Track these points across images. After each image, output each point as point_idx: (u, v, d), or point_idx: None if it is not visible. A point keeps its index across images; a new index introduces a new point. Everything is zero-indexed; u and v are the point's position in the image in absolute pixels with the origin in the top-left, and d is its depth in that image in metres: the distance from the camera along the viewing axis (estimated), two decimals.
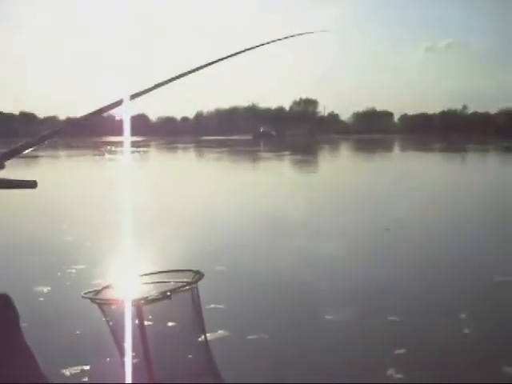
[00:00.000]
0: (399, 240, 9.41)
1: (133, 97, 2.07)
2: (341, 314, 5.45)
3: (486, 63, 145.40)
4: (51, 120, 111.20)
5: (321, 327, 5.21)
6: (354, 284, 6.64)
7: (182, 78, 2.14)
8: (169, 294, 3.05)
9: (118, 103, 2.06)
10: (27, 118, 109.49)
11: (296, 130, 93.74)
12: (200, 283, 3.24)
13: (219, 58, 2.21)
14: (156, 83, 2.09)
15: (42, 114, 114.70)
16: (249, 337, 4.92)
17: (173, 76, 2.13)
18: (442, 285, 6.57)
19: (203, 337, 3.41)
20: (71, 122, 2.17)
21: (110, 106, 2.06)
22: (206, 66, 2.17)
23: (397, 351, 4.54)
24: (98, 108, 2.06)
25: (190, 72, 2.15)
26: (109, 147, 50.13)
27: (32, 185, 2.00)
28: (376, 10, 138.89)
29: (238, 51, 2.25)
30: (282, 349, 4.72)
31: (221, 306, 5.68)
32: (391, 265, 7.67)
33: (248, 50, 2.26)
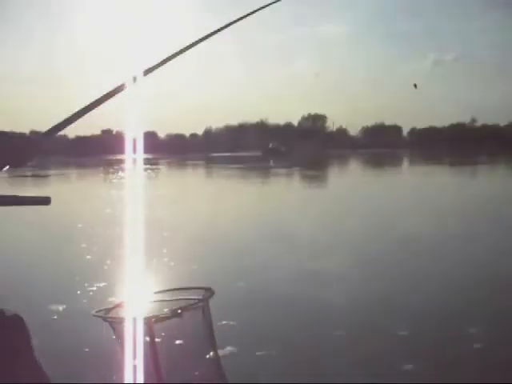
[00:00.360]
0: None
1: (146, 72, 2.01)
2: (352, 330, 5.45)
3: (493, 75, 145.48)
4: (61, 138, 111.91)
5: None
6: (362, 298, 6.63)
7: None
8: (179, 311, 3.06)
9: (120, 88, 1.99)
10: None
11: (305, 146, 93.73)
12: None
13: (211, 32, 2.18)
14: (164, 58, 2.04)
15: None
16: (258, 353, 4.93)
17: (182, 48, 2.09)
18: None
19: (214, 353, 3.42)
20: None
21: (116, 89, 2.00)
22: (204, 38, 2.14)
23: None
24: (106, 92, 1.99)
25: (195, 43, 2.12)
26: (118, 166, 50.35)
27: (46, 201, 2.01)
28: (381, 23, 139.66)
29: (225, 25, 2.20)
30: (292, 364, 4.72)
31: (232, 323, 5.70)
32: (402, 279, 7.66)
33: (234, 22, 2.21)
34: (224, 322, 5.59)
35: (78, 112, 1.94)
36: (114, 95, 2.01)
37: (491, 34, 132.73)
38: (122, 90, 2.00)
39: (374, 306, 6.38)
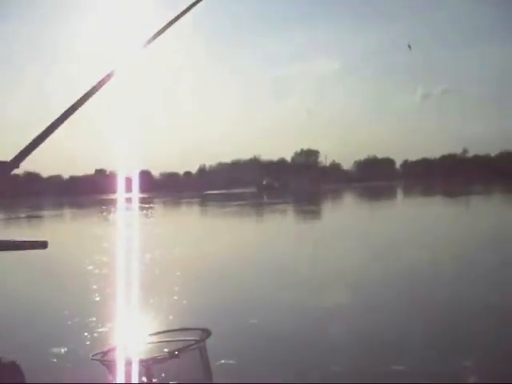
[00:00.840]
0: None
1: (147, 42, 1.90)
2: (347, 365, 5.47)
3: (482, 107, 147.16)
4: (55, 179, 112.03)
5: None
6: (358, 332, 6.66)
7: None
8: (177, 353, 3.11)
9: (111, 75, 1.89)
10: (32, 177, 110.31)
11: (299, 181, 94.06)
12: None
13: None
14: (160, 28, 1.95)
15: (46, 173, 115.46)
16: None
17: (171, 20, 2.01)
18: None
19: None
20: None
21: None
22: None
23: None
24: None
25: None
26: (113, 206, 50.27)
27: (43, 245, 2.01)
28: (371, 58, 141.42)
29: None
30: None
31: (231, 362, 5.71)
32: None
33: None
34: (223, 361, 5.61)
35: (44, 131, 1.83)
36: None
37: (478, 67, 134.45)
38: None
39: (370, 340, 6.41)
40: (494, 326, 6.76)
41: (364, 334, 6.72)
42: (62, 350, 6.48)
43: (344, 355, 5.88)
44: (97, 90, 1.89)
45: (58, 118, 1.86)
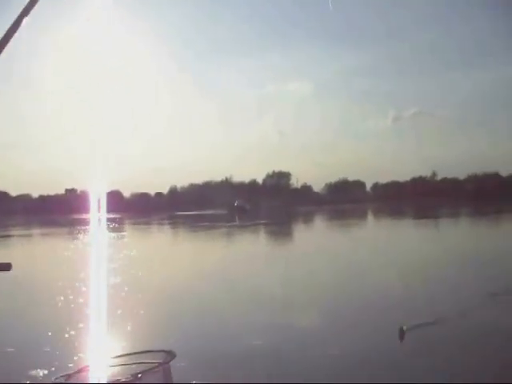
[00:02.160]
0: None
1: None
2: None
3: (451, 131, 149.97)
4: (24, 198, 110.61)
5: None
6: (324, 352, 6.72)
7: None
8: (140, 375, 3.11)
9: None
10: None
11: (270, 203, 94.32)
12: None
13: None
14: None
15: (15, 192, 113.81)
16: None
17: None
18: None
19: None
20: None
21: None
22: None
23: None
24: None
25: None
26: (83, 226, 49.69)
27: (6, 267, 2.00)
28: (342, 81, 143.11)
29: None
30: None
31: None
32: None
33: None
34: (195, 382, 5.62)
35: None
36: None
37: (448, 91, 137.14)
38: None
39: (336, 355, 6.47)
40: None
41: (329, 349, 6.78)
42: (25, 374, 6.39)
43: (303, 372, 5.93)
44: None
45: None
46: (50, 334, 8.50)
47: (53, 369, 6.13)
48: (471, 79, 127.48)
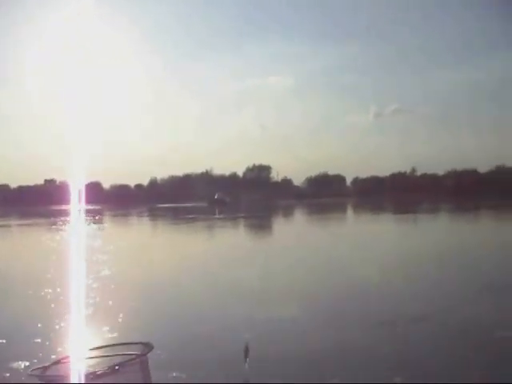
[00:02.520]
0: None
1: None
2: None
3: (431, 127, 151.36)
4: (2, 188, 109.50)
5: None
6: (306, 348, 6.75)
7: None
8: (117, 367, 3.11)
9: None
10: None
11: (250, 196, 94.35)
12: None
13: None
14: None
15: None
16: None
17: None
18: None
19: None
20: None
21: None
22: None
23: None
24: None
25: None
26: (61, 217, 49.20)
27: None
28: (324, 76, 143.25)
29: None
30: None
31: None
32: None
33: None
34: (175, 374, 5.62)
35: None
36: None
37: (429, 88, 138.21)
38: None
39: (315, 352, 6.51)
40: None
41: (307, 346, 6.82)
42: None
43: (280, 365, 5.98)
44: None
45: None
46: (31, 325, 8.44)
47: (35, 361, 6.08)
48: (451, 77, 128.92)
